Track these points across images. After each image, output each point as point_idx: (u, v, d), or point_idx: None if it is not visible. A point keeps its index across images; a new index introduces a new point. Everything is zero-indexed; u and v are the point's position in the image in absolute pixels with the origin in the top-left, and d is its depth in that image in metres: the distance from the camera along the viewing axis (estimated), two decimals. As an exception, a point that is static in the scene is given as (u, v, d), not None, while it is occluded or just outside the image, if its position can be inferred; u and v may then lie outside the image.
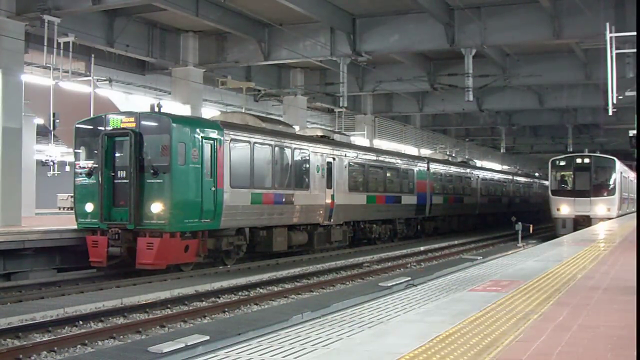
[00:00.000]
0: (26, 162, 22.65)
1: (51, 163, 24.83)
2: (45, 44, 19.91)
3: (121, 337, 10.60)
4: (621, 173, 32.56)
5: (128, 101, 26.22)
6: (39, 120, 29.38)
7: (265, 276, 17.10)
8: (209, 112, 29.57)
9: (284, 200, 20.10)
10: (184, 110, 25.57)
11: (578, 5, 21.64)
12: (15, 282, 15.48)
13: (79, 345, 9.96)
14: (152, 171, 16.02)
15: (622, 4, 21.44)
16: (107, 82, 24.03)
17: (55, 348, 9.64)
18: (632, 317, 5.94)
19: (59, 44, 20.33)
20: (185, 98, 26.44)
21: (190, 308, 13.07)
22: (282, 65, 30.82)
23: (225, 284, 15.67)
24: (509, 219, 33.03)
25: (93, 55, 22.38)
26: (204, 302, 13.70)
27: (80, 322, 11.27)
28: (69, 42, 20.61)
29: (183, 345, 9.50)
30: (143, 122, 16.41)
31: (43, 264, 16.70)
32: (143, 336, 10.75)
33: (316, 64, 29.60)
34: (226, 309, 12.96)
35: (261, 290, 15.44)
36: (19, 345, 9.73)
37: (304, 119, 33.20)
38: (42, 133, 34.11)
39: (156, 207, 15.90)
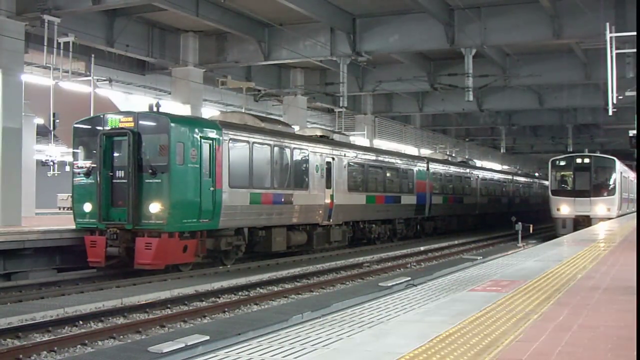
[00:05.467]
0: (26, 162, 22.66)
1: (51, 163, 24.76)
2: (45, 44, 19.90)
3: (121, 337, 10.60)
4: (621, 173, 32.57)
5: (128, 101, 26.22)
6: (39, 120, 29.35)
7: (265, 276, 17.09)
8: (209, 112, 29.56)
9: (283, 200, 20.06)
10: (184, 110, 25.56)
11: (578, 5, 21.65)
12: (15, 282, 15.47)
13: (79, 345, 9.96)
14: (150, 171, 15.93)
15: (622, 4, 21.44)
16: (107, 82, 24.01)
17: (55, 348, 9.64)
18: (632, 317, 5.94)
19: (59, 44, 20.31)
20: (185, 98, 26.43)
21: (190, 308, 13.07)
22: (282, 65, 30.82)
23: (225, 284, 15.67)
24: (509, 219, 33.01)
25: (93, 55, 22.35)
26: (204, 302, 13.69)
27: (80, 322, 11.27)
28: (69, 42, 20.58)
29: (183, 345, 9.49)
30: (141, 122, 16.34)
31: (43, 264, 16.68)
32: (143, 336, 10.75)
33: (316, 64, 29.60)
34: (226, 309, 12.96)
35: (261, 290, 15.44)
36: (19, 345, 9.73)
37: (304, 119, 33.19)
38: (42, 133, 34.09)
39: (154, 207, 15.83)
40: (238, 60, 26.76)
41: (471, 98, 25.03)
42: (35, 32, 20.88)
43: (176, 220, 16.04)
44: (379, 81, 31.29)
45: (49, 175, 25.25)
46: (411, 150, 42.31)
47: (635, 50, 17.85)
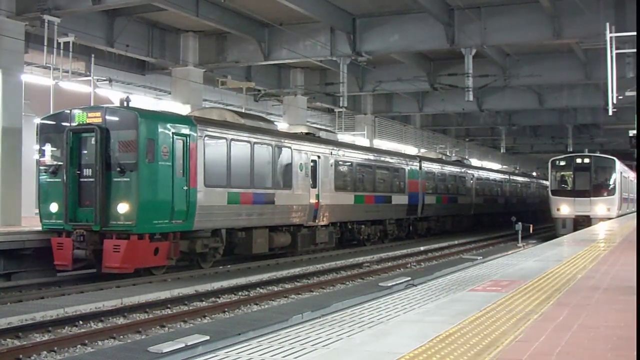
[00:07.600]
0: (26, 162, 22.62)
1: (51, 163, 24.77)
2: (45, 44, 19.88)
3: (121, 337, 10.61)
4: (621, 173, 32.58)
5: (128, 101, 26.16)
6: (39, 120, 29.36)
7: (265, 276, 17.09)
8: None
9: (264, 200, 19.30)
10: (184, 110, 25.55)
11: (578, 5, 21.66)
12: (15, 282, 15.47)
13: (79, 345, 9.96)
14: (118, 169, 15.20)
15: (622, 4, 21.45)
16: (107, 82, 24.00)
17: (55, 348, 9.65)
18: (632, 317, 5.94)
19: (59, 44, 20.29)
20: (185, 98, 26.43)
21: (190, 308, 13.08)
22: (282, 65, 30.82)
23: (225, 284, 15.68)
24: (505, 220, 32.86)
25: (93, 55, 22.33)
26: (204, 302, 13.70)
27: (80, 322, 11.28)
28: (69, 42, 20.56)
29: (183, 345, 9.50)
30: (109, 117, 15.60)
31: (43, 264, 16.65)
32: (143, 336, 10.75)
33: (316, 64, 29.60)
34: (226, 309, 12.97)
35: (261, 290, 15.45)
36: (19, 345, 9.74)
37: (304, 119, 33.18)
38: (42, 133, 34.07)
39: (123, 207, 15.12)
40: (238, 60, 26.75)
41: (471, 98, 25.02)
42: (35, 32, 20.87)
43: (146, 221, 15.27)
44: (379, 81, 31.29)
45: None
46: (411, 150, 42.23)
47: (635, 50, 17.87)
